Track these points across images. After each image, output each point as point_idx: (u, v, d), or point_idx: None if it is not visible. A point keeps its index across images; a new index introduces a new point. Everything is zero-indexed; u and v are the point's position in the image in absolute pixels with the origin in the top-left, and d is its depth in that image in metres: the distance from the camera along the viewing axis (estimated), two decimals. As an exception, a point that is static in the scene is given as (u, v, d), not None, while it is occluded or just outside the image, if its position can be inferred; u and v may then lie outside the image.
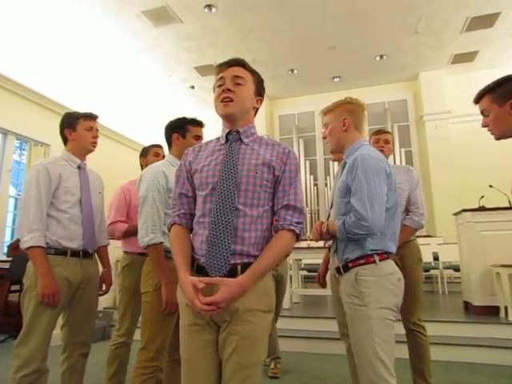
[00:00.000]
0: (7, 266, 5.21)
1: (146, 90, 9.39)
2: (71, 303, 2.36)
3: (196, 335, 1.45)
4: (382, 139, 2.98)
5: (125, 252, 2.94)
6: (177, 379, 2.20)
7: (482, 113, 1.71)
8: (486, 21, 7.20)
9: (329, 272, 2.29)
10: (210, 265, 1.42)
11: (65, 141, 2.49)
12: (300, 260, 6.74)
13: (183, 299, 1.49)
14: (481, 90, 1.70)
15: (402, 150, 9.45)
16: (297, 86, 9.89)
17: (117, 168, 7.85)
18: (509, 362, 3.74)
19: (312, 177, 10.20)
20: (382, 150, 2.92)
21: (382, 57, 8.52)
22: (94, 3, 6.25)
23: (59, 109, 7.25)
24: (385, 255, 1.86)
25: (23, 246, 2.19)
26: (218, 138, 1.66)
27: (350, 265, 1.87)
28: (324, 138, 2.18)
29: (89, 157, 2.58)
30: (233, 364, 1.39)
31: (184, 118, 2.44)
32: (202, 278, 1.37)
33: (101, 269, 2.62)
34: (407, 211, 2.84)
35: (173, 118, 2.48)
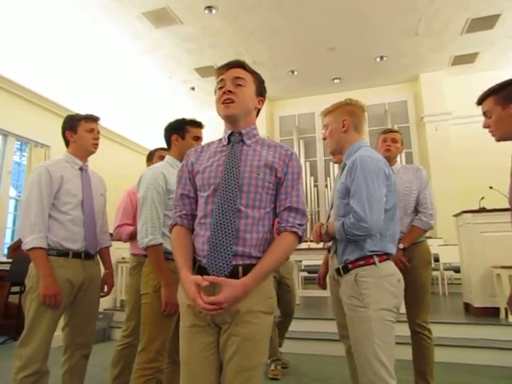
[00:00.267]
0: (7, 268, 5.21)
1: (147, 91, 9.40)
2: (73, 304, 2.37)
3: (196, 337, 1.45)
4: (389, 138, 2.93)
5: (132, 254, 2.96)
6: (177, 381, 2.19)
7: (485, 114, 1.71)
8: (486, 22, 7.21)
9: (328, 273, 2.29)
10: (211, 266, 1.42)
11: (67, 143, 2.51)
12: (300, 261, 6.74)
13: (184, 300, 1.49)
14: (485, 91, 1.71)
15: (403, 151, 9.43)
16: (297, 87, 9.90)
17: (117, 169, 7.85)
18: (509, 363, 3.73)
19: (312, 178, 10.21)
20: (388, 150, 2.90)
21: (382, 58, 8.53)
22: (94, 5, 6.26)
23: (59, 110, 7.26)
24: (384, 256, 1.86)
25: (25, 247, 2.20)
26: (220, 140, 1.66)
27: (350, 266, 1.87)
28: (324, 139, 2.18)
29: (89, 158, 2.58)
30: (234, 366, 1.39)
31: (183, 119, 2.44)
32: (206, 277, 1.37)
33: (103, 270, 2.62)
34: (416, 212, 2.81)
35: (173, 119, 2.48)
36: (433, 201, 2.83)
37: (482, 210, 4.84)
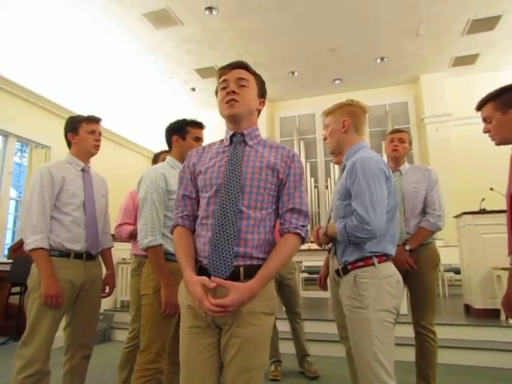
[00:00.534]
0: (8, 269, 5.21)
1: (147, 92, 9.41)
2: (74, 305, 2.37)
3: (196, 338, 1.45)
4: (396, 138, 2.90)
5: (133, 254, 2.97)
6: (177, 382, 2.19)
7: (485, 119, 1.74)
8: (487, 23, 7.21)
9: (329, 274, 2.29)
10: (212, 266, 1.42)
11: (69, 144, 2.52)
12: (300, 262, 6.74)
13: (185, 301, 1.49)
14: (483, 97, 1.73)
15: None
16: (297, 88, 9.90)
17: (118, 170, 7.86)
18: (509, 364, 3.73)
19: (313, 179, 10.21)
20: (395, 150, 2.89)
21: (382, 59, 8.53)
22: (95, 6, 6.27)
23: (60, 111, 7.27)
24: (384, 257, 1.86)
25: (27, 248, 2.21)
26: (221, 140, 1.66)
27: (349, 267, 1.88)
28: (324, 139, 2.19)
29: (91, 159, 2.59)
30: (235, 367, 1.39)
31: (184, 119, 2.44)
32: (213, 278, 1.37)
33: (104, 271, 2.63)
34: (424, 213, 2.77)
35: (173, 120, 2.48)
36: (441, 202, 2.77)
37: (483, 212, 4.84)
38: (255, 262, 1.44)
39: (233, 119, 1.58)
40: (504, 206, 1.76)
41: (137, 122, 9.77)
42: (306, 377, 3.54)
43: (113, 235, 2.82)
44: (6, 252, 6.21)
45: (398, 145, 2.90)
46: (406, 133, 3.00)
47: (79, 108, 6.62)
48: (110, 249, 2.69)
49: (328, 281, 2.34)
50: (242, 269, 1.42)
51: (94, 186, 2.52)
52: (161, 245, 2.17)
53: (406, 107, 9.97)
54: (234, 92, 1.54)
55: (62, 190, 2.34)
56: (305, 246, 6.25)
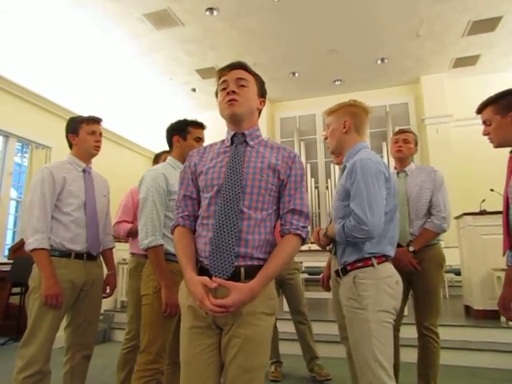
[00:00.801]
0: (8, 269, 5.21)
1: (148, 92, 9.41)
2: (75, 305, 2.38)
3: (196, 338, 1.45)
4: (400, 139, 2.90)
5: (131, 254, 2.96)
6: (177, 382, 2.20)
7: (484, 122, 1.79)
8: (487, 25, 7.20)
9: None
10: (213, 267, 1.42)
11: (70, 145, 2.53)
12: (301, 263, 6.73)
13: (185, 301, 1.50)
14: (484, 101, 1.77)
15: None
16: (298, 88, 9.90)
17: (118, 171, 7.86)
18: (509, 366, 3.73)
19: (313, 180, 10.20)
20: (399, 151, 2.89)
21: (383, 60, 8.52)
22: (95, 6, 6.27)
23: (61, 112, 7.28)
24: (383, 258, 1.86)
25: (28, 248, 2.22)
26: (222, 141, 1.66)
27: (349, 268, 1.88)
28: (325, 138, 2.18)
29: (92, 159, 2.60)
30: (235, 367, 1.39)
31: (184, 119, 2.44)
32: (214, 278, 1.38)
33: (106, 271, 2.63)
34: (429, 214, 2.76)
35: (174, 120, 2.48)
36: (447, 204, 2.76)
37: (483, 213, 4.84)
38: (256, 263, 1.45)
39: (234, 119, 1.58)
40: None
41: (137, 123, 9.77)
42: (307, 378, 3.54)
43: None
44: (6, 252, 6.21)
45: (403, 145, 2.90)
46: (411, 133, 2.99)
47: (80, 108, 6.63)
48: (111, 249, 2.70)
49: (331, 282, 2.34)
50: (242, 269, 1.43)
51: (95, 186, 2.53)
52: (161, 245, 2.17)
53: (407, 108, 9.96)
54: (234, 92, 1.54)
55: (62, 191, 2.35)
56: (305, 247, 6.24)
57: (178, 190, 1.66)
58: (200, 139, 2.43)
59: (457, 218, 5.04)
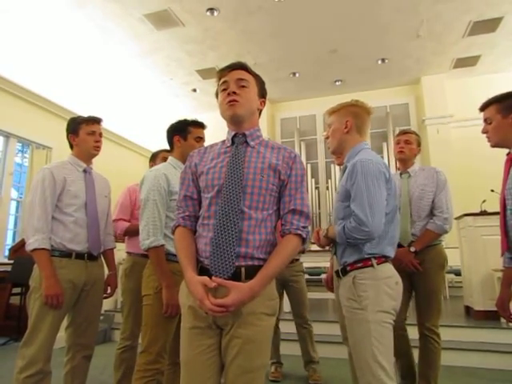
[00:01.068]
0: (9, 269, 5.21)
1: (148, 93, 9.41)
2: (75, 305, 2.38)
3: (196, 339, 1.45)
4: (402, 140, 2.91)
5: (127, 253, 2.95)
6: (177, 382, 2.19)
7: (485, 120, 1.80)
8: (488, 25, 7.20)
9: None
10: (214, 267, 1.42)
11: (71, 145, 2.54)
12: (301, 263, 6.71)
13: (185, 301, 1.50)
14: (488, 99, 1.78)
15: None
16: (298, 89, 9.89)
17: (119, 171, 7.85)
18: (510, 366, 3.73)
19: (313, 180, 10.19)
20: (401, 152, 2.89)
21: (383, 60, 8.52)
22: (95, 6, 6.27)
23: (61, 112, 7.28)
24: (382, 259, 1.86)
25: (28, 248, 2.23)
26: (223, 141, 1.67)
27: (348, 268, 1.88)
28: (326, 138, 2.18)
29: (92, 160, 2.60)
30: (236, 368, 1.39)
31: (185, 119, 2.44)
32: (214, 278, 1.38)
33: (106, 271, 2.63)
34: (432, 215, 2.75)
35: (174, 120, 2.48)
36: (449, 205, 2.75)
37: (484, 213, 4.83)
38: (256, 263, 1.45)
39: (234, 120, 1.58)
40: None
41: (137, 123, 9.77)
42: (308, 378, 3.53)
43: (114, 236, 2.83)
44: (6, 253, 6.21)
45: (404, 146, 2.90)
46: (414, 134, 2.99)
47: (80, 109, 6.62)
48: (112, 249, 2.70)
49: (334, 282, 2.33)
50: (243, 269, 1.43)
51: (96, 186, 2.53)
52: (162, 245, 2.17)
53: (407, 109, 9.96)
54: (234, 93, 1.54)
55: (63, 191, 2.35)
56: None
57: (179, 191, 1.66)
58: (201, 139, 2.43)
59: (457, 218, 5.04)
